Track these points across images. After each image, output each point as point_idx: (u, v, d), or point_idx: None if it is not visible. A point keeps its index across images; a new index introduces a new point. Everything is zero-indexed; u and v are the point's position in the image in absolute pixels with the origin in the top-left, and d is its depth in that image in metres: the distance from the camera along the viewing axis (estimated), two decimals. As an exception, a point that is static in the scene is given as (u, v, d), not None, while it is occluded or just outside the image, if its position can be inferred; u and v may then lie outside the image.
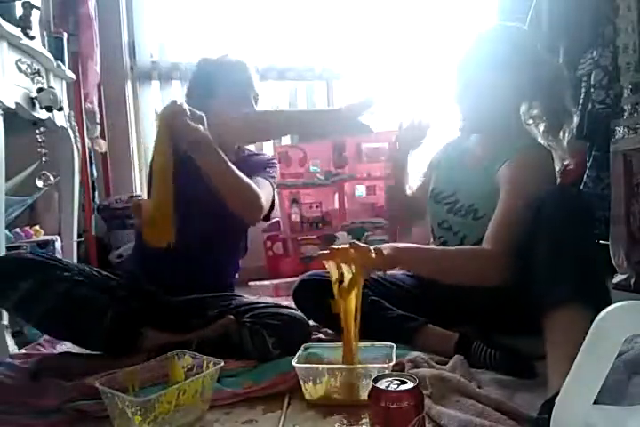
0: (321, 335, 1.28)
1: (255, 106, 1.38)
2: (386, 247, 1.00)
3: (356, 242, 0.99)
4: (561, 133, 1.17)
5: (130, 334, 1.14)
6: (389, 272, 1.32)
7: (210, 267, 1.32)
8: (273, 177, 1.40)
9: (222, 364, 0.92)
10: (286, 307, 1.23)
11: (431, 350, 1.09)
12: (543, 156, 1.12)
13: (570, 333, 0.80)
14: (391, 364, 0.92)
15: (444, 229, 1.24)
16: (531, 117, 1.19)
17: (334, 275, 0.96)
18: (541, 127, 1.18)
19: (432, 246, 1.08)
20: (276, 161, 1.48)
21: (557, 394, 0.64)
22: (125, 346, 1.12)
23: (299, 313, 1.20)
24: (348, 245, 0.97)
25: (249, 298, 1.32)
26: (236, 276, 1.45)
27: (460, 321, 1.17)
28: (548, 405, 0.68)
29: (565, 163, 1.20)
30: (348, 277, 0.94)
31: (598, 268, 0.91)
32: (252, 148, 1.63)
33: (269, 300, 1.49)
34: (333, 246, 0.99)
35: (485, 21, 2.41)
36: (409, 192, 1.45)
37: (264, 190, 1.29)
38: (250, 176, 1.25)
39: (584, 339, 0.59)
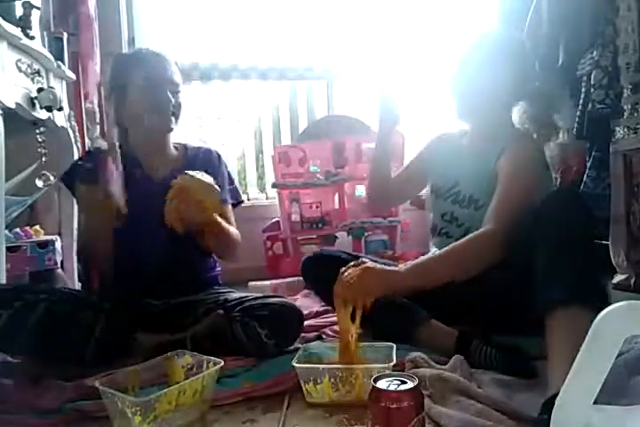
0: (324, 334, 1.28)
1: (173, 100, 1.29)
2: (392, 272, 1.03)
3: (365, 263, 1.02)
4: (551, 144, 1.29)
5: (122, 341, 1.12)
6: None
7: (185, 267, 1.29)
8: (233, 183, 1.44)
9: (222, 364, 0.92)
10: (275, 296, 1.23)
11: (431, 346, 1.10)
12: (534, 144, 1.26)
13: (569, 333, 0.80)
14: (391, 364, 0.92)
15: (447, 221, 1.29)
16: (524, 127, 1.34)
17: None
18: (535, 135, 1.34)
19: (429, 255, 1.10)
20: (220, 153, 1.45)
21: (558, 393, 0.64)
22: (119, 353, 1.10)
23: (288, 301, 1.19)
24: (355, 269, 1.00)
25: (237, 293, 1.31)
26: (217, 269, 1.42)
27: (460, 319, 1.17)
28: (549, 404, 0.68)
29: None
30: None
31: (597, 268, 0.92)
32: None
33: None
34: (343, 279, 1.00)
35: (485, 22, 2.42)
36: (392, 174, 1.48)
37: (234, 222, 1.36)
38: None
39: (584, 339, 0.59)
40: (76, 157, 1.78)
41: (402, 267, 1.05)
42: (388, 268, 1.04)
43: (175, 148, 1.40)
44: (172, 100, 1.28)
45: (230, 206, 1.39)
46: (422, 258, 1.10)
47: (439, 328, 1.15)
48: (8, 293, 1.11)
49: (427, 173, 1.42)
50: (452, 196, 1.30)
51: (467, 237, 1.07)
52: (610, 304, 0.85)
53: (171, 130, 1.33)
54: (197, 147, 1.44)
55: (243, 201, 1.46)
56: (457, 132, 1.42)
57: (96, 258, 1.24)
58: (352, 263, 1.03)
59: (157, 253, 1.19)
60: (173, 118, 1.31)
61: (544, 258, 0.90)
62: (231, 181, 1.43)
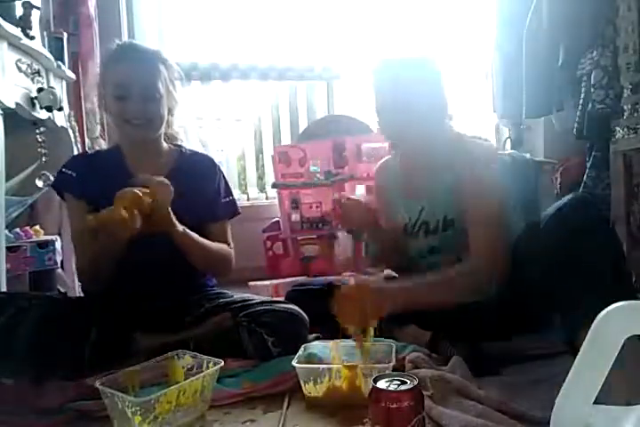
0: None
1: (151, 108, 1.18)
2: (382, 292, 1.01)
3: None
4: None
5: (120, 342, 1.11)
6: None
7: (179, 267, 1.24)
8: (230, 194, 1.36)
9: (222, 364, 0.92)
10: (280, 302, 1.22)
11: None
12: (491, 158, 1.19)
13: None
14: (391, 364, 0.92)
15: (425, 256, 1.25)
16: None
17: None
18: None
19: (420, 278, 1.08)
20: (217, 162, 1.38)
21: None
22: (118, 355, 1.08)
23: (295, 308, 1.18)
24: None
25: (236, 294, 1.29)
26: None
27: (434, 323, 1.17)
28: None
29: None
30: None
31: (626, 276, 0.91)
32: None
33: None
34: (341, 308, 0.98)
35: (485, 22, 2.42)
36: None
37: (228, 238, 1.31)
38: (205, 198, 1.27)
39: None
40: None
41: (393, 283, 1.05)
42: (381, 285, 1.05)
43: (170, 150, 1.32)
44: (146, 109, 1.17)
45: (226, 221, 1.32)
46: (416, 281, 1.07)
47: (412, 330, 1.17)
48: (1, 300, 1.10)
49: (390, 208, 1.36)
50: (421, 227, 1.24)
51: (457, 271, 1.06)
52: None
53: (150, 139, 1.24)
54: (194, 152, 1.36)
55: (239, 213, 1.37)
56: (395, 163, 1.35)
57: (100, 279, 1.18)
58: (343, 286, 1.02)
59: (151, 256, 1.17)
60: (151, 127, 1.21)
61: (570, 284, 0.89)
62: (228, 193, 1.35)
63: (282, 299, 1.29)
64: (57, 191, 1.28)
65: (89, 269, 1.19)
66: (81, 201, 1.22)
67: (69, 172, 1.24)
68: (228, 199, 1.34)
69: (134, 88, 1.17)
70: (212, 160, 1.36)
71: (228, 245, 1.31)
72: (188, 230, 1.16)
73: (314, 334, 1.25)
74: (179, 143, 1.36)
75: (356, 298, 0.97)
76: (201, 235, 1.21)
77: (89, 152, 1.52)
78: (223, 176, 1.36)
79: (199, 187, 1.28)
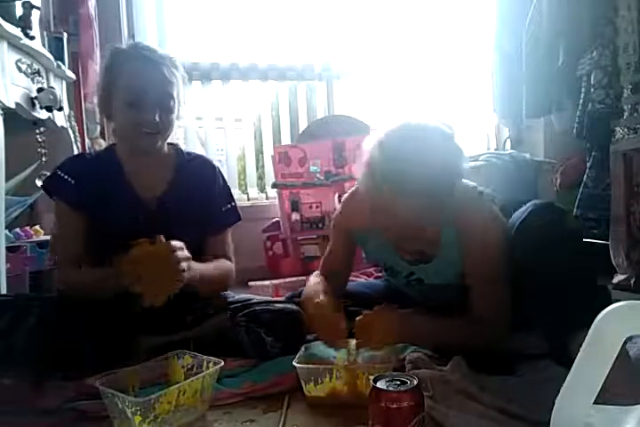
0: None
1: (161, 118, 1.11)
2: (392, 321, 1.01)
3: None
4: None
5: (120, 342, 1.10)
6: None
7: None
8: (231, 200, 1.30)
9: (222, 364, 0.92)
10: (278, 301, 1.22)
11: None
12: (487, 211, 1.06)
13: None
14: (391, 364, 0.92)
15: (410, 286, 1.21)
16: None
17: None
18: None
19: (432, 320, 1.04)
20: (217, 164, 1.31)
21: None
22: (118, 354, 1.07)
23: (293, 307, 1.17)
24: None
25: (238, 295, 1.29)
26: None
27: None
28: None
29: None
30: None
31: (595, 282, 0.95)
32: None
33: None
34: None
35: (484, 22, 2.42)
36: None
37: (228, 251, 1.27)
38: (206, 205, 1.23)
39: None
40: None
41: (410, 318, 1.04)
42: (399, 318, 1.02)
43: (169, 154, 1.26)
44: (158, 119, 1.11)
45: (227, 230, 1.29)
46: (432, 324, 1.04)
47: None
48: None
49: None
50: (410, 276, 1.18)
51: (470, 326, 1.03)
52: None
53: (156, 147, 1.19)
54: (193, 157, 1.29)
55: (240, 219, 1.32)
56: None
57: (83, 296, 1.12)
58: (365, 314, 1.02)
59: None
60: (161, 137, 1.16)
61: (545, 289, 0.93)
62: (229, 199, 1.30)
63: (281, 298, 1.29)
64: (47, 193, 1.21)
65: (73, 286, 1.15)
66: (72, 210, 1.16)
67: (66, 177, 1.17)
68: (228, 206, 1.29)
69: (150, 95, 1.10)
70: (211, 164, 1.30)
71: (229, 259, 1.26)
72: (196, 271, 1.07)
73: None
74: (175, 144, 1.32)
75: (374, 325, 0.98)
76: (200, 247, 1.19)
77: (87, 156, 1.35)
78: (224, 181, 1.30)
79: (199, 199, 1.23)
